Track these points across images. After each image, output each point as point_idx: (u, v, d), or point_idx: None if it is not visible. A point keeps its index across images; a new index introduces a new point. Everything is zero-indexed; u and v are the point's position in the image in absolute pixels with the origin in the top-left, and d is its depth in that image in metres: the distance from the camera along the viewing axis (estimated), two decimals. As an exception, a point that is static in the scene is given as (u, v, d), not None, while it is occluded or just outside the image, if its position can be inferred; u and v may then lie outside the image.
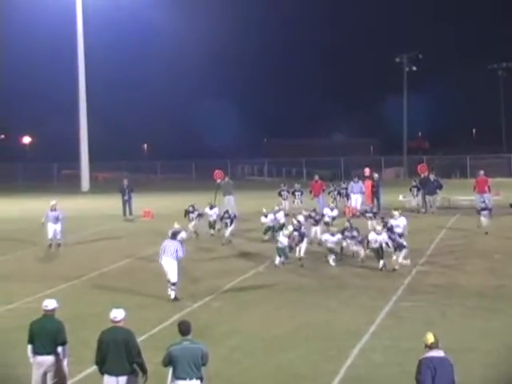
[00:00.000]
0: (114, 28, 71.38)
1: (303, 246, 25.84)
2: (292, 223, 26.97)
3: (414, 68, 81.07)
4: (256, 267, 25.57)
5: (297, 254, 25.73)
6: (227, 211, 32.30)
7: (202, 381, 11.65)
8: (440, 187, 40.71)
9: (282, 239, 25.52)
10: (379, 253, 24.01)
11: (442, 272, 23.93)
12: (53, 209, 30.79)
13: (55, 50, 76.48)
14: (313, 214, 29.82)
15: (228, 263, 26.66)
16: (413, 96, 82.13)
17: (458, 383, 12.11)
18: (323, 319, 18.61)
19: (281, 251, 25.33)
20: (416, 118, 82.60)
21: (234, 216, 31.67)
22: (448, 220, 36.19)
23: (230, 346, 16.61)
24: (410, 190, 41.49)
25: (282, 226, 28.89)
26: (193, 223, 32.37)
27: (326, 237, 25.86)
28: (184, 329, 11.85)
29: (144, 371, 12.17)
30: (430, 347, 10.64)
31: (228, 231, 30.91)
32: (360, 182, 40.67)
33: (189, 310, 19.99)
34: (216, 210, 33.12)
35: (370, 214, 31.65)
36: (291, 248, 25.71)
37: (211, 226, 32.52)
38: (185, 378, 11.51)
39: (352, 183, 40.70)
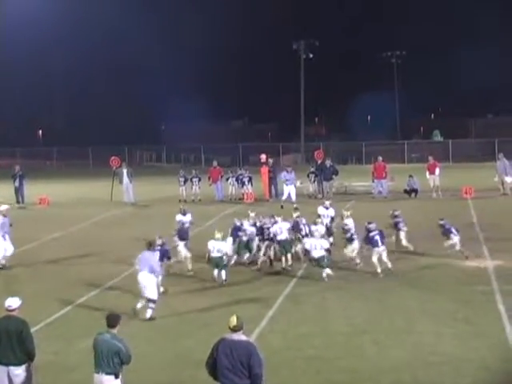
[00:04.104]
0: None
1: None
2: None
3: (311, 55, 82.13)
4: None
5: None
6: None
7: (116, 377, 11.22)
8: (336, 173, 41.21)
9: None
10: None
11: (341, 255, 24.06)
12: (4, 214, 23.77)
13: None
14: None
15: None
16: (311, 82, 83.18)
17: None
18: (221, 305, 18.64)
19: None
20: (314, 104, 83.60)
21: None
22: (344, 205, 36.55)
23: (129, 333, 16.44)
24: (308, 176, 41.85)
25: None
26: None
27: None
28: (109, 321, 11.52)
29: (31, 359, 11.85)
30: (233, 330, 10.71)
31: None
32: (293, 173, 39.25)
33: (85, 298, 19.74)
34: (189, 216, 26.09)
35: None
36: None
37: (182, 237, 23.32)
38: (97, 372, 11.23)
39: (285, 173, 39.20)
